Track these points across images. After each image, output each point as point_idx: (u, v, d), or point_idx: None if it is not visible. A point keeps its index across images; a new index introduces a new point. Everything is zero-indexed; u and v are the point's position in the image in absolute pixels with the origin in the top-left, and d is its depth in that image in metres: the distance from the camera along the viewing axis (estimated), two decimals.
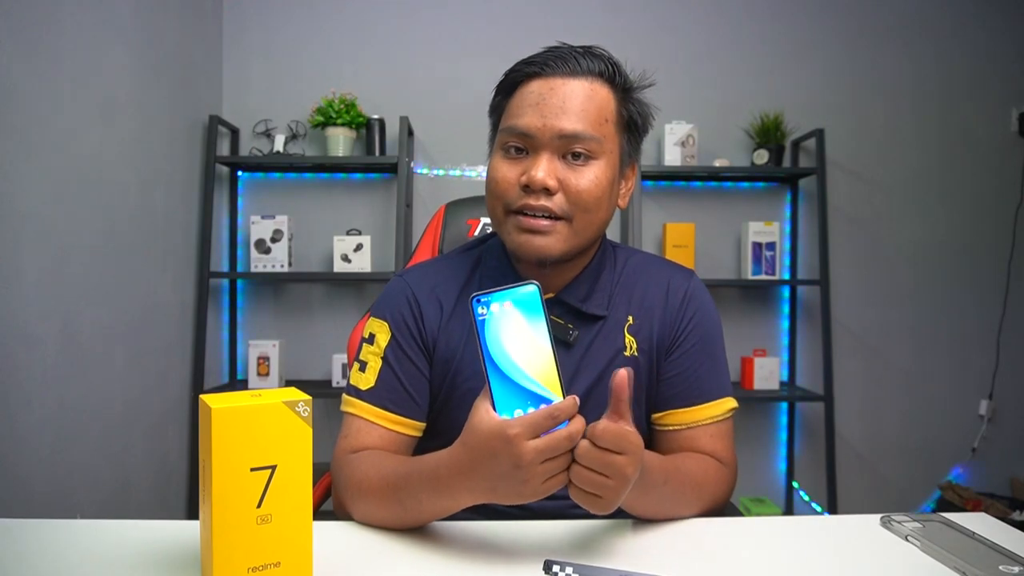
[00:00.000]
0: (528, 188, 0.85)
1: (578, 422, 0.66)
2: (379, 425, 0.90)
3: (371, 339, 0.95)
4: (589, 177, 0.85)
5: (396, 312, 0.95)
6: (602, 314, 0.93)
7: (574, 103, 0.85)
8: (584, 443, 0.66)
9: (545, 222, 0.85)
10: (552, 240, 0.86)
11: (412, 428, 0.92)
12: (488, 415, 0.67)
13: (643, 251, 1.06)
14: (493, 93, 0.94)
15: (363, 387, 0.92)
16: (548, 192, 0.85)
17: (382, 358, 0.93)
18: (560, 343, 0.91)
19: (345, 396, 0.93)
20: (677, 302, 0.96)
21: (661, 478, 0.79)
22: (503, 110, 0.91)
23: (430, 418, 0.96)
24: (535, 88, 0.86)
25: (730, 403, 0.95)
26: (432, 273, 0.99)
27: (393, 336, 0.94)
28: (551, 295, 0.93)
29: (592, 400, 0.89)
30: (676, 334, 0.95)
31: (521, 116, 0.86)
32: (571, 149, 0.85)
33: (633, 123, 0.91)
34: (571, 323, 0.91)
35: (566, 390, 0.68)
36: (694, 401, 0.93)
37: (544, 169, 0.84)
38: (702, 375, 0.94)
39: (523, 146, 0.87)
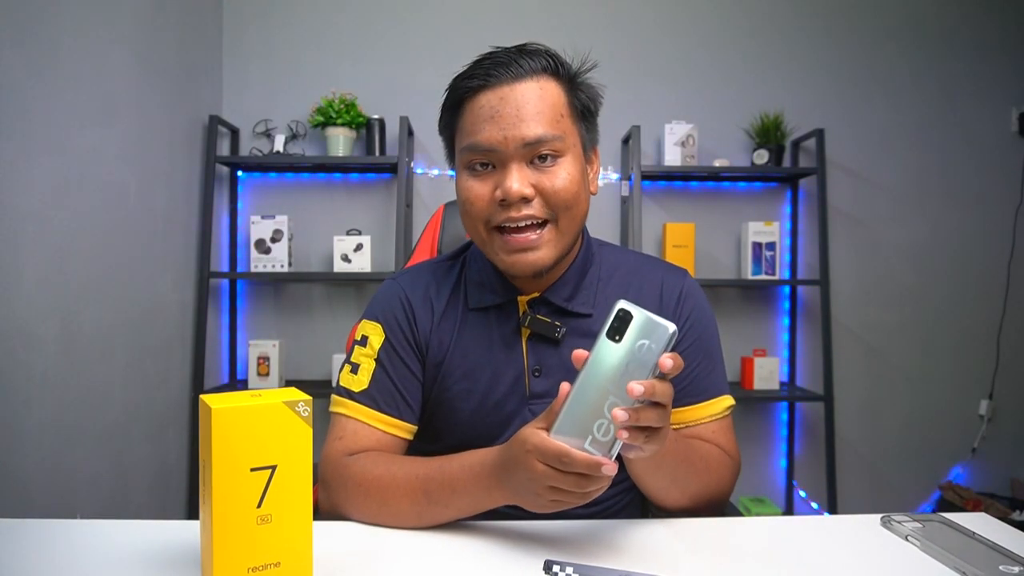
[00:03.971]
0: (505, 202, 0.84)
1: (600, 481, 0.67)
2: (373, 427, 0.90)
3: (364, 341, 0.94)
4: (562, 176, 0.85)
5: (390, 314, 0.95)
6: (588, 312, 0.93)
7: (528, 107, 0.83)
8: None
9: (533, 235, 0.85)
10: (543, 252, 0.86)
11: (405, 431, 0.92)
12: (530, 425, 0.70)
13: (630, 250, 1.06)
14: (440, 112, 0.92)
15: (356, 389, 0.92)
16: (526, 200, 0.84)
17: (375, 360, 0.93)
18: (547, 340, 0.91)
19: (335, 397, 0.93)
20: (673, 302, 0.95)
21: (676, 455, 0.81)
22: (455, 128, 0.90)
23: (423, 421, 0.96)
24: (484, 101, 0.84)
25: (728, 400, 0.95)
26: (424, 276, 0.99)
27: (387, 338, 0.93)
28: (536, 295, 0.93)
29: None
30: None
31: (479, 132, 0.84)
32: (537, 153, 0.84)
33: (586, 110, 0.90)
34: (558, 321, 0.91)
35: (603, 444, 0.66)
36: (693, 400, 0.93)
37: (517, 180, 0.83)
38: (700, 374, 0.94)
39: (488, 161, 0.85)
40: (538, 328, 0.91)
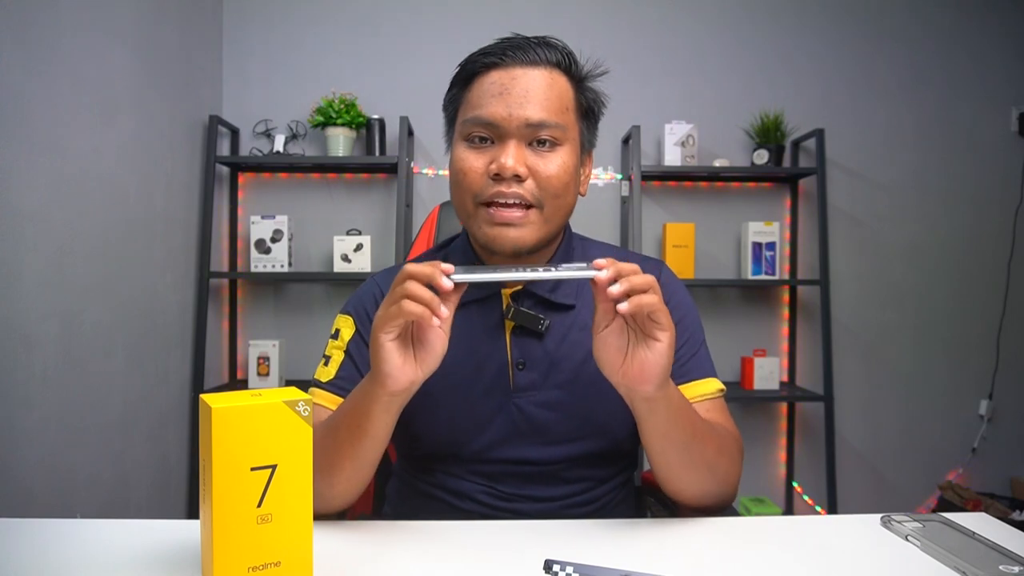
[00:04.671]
0: (498, 176, 0.84)
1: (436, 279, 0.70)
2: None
3: (336, 335, 0.96)
4: (557, 163, 0.86)
5: (361, 308, 0.96)
6: (571, 303, 0.93)
7: (537, 92, 0.85)
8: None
9: (518, 213, 0.85)
10: (526, 231, 0.86)
11: None
12: None
13: (606, 243, 1.06)
14: (448, 87, 0.93)
15: (324, 379, 0.93)
16: (518, 179, 0.84)
17: (344, 351, 0.94)
18: (531, 334, 0.92)
19: (309, 389, 0.95)
20: None
21: (687, 409, 0.81)
22: (460, 102, 0.90)
23: (404, 420, 0.94)
24: (495, 78, 0.86)
25: (717, 383, 0.94)
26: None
27: (357, 331, 0.95)
28: (519, 287, 0.93)
29: (575, 386, 0.90)
30: None
31: (485, 106, 0.85)
32: (537, 136, 0.85)
33: (590, 111, 0.92)
34: (541, 314, 0.91)
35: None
36: (679, 381, 0.91)
37: (514, 156, 0.84)
38: (683, 357, 0.93)
39: (488, 135, 0.86)
40: (522, 321, 0.91)
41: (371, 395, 0.75)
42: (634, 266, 0.72)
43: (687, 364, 0.94)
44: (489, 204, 0.86)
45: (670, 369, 0.75)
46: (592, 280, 0.71)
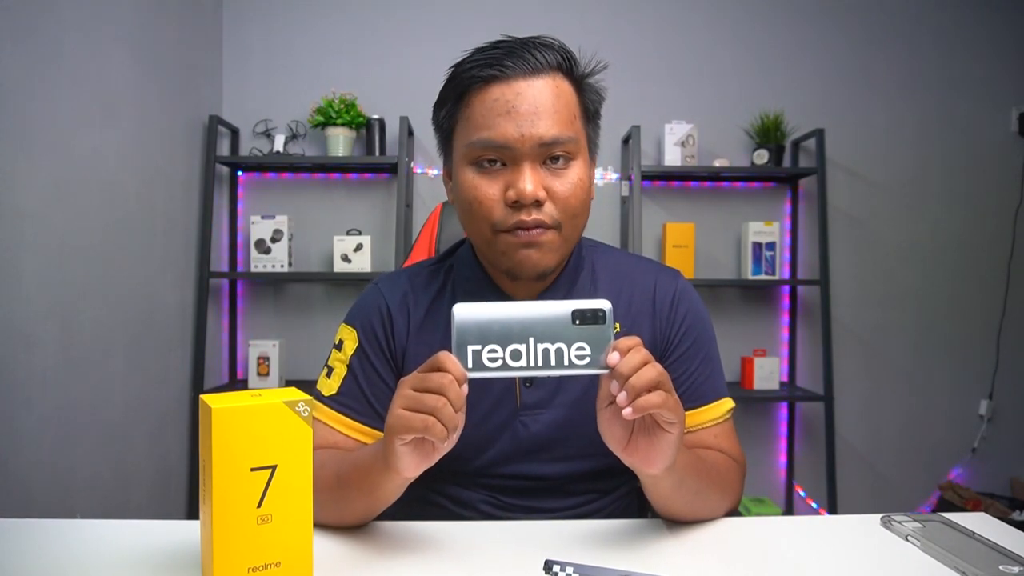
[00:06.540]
0: (517, 203, 0.80)
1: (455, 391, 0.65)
2: (338, 431, 0.89)
3: (340, 345, 0.94)
4: (573, 180, 0.83)
5: (366, 321, 0.93)
6: None
7: (546, 105, 0.80)
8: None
9: (538, 232, 0.82)
10: (548, 252, 0.83)
11: (371, 437, 0.90)
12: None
13: (621, 251, 1.02)
14: (438, 101, 0.87)
15: (326, 393, 0.91)
16: (538, 204, 0.81)
17: (347, 365, 0.92)
18: None
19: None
20: (667, 306, 0.93)
21: (692, 466, 0.79)
22: (458, 120, 0.85)
23: None
24: (497, 94, 0.80)
25: (728, 403, 0.93)
26: (405, 282, 0.96)
27: (360, 345, 0.92)
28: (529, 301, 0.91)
29: (583, 404, 0.87)
30: (669, 339, 0.92)
31: (492, 127, 0.80)
32: (551, 154, 0.81)
33: (595, 112, 0.88)
34: None
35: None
36: (693, 405, 0.90)
37: (531, 181, 0.80)
38: (698, 378, 0.91)
39: (499, 158, 0.82)
40: None
41: (384, 476, 0.72)
42: (639, 358, 0.65)
43: (702, 387, 0.91)
44: (509, 230, 0.82)
45: (678, 453, 0.71)
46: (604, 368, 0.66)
